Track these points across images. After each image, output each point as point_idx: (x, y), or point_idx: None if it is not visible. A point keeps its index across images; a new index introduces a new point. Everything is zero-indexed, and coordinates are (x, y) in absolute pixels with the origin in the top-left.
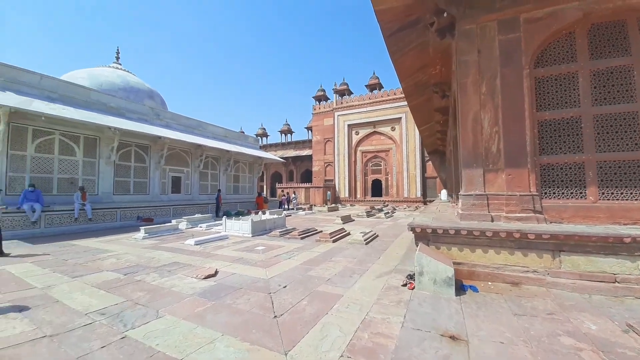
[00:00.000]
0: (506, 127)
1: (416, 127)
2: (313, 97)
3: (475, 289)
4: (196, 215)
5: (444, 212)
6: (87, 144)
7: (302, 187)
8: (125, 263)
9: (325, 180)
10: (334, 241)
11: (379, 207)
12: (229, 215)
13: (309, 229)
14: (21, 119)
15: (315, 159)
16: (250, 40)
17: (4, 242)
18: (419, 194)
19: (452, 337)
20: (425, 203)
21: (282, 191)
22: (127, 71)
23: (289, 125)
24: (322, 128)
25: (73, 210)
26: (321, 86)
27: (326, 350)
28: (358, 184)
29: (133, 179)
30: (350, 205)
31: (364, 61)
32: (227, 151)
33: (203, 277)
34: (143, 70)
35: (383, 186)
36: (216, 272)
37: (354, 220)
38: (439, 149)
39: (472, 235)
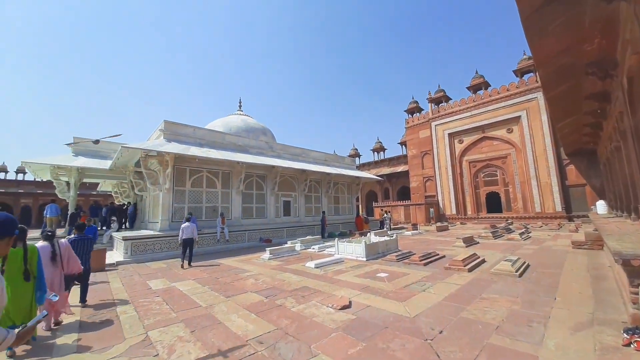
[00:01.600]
0: None
1: (544, 125)
2: (405, 111)
3: None
4: (307, 237)
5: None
6: (223, 177)
7: (401, 205)
8: (263, 284)
9: (426, 197)
10: (470, 270)
11: (501, 225)
12: (332, 236)
13: (429, 254)
14: (181, 162)
15: (413, 174)
16: (336, 62)
17: (169, 260)
18: (558, 208)
19: None
20: (570, 219)
21: (382, 210)
22: (247, 115)
23: (380, 142)
24: (418, 141)
25: (215, 233)
26: (413, 98)
27: None
28: (467, 198)
29: (255, 204)
30: (461, 223)
31: (461, 63)
32: (328, 174)
33: (339, 307)
34: (256, 111)
35: (503, 200)
36: (350, 304)
37: (477, 242)
38: (584, 148)
39: None
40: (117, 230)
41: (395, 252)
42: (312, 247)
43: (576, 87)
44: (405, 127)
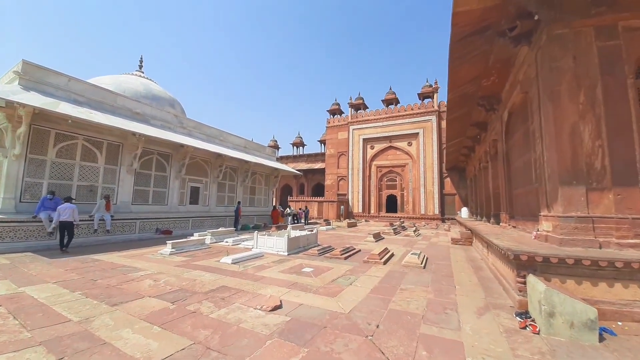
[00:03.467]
0: (611, 141)
1: (434, 143)
2: (327, 111)
3: (612, 332)
4: (220, 229)
5: (510, 234)
6: (109, 150)
7: (315, 201)
8: (167, 286)
9: (338, 195)
10: (384, 263)
11: (397, 223)
12: (246, 228)
13: (348, 248)
14: (44, 121)
15: (328, 172)
16: (264, 52)
17: (13, 255)
18: (436, 211)
19: None
20: (443, 220)
21: (296, 205)
22: (150, 79)
23: (301, 137)
24: (336, 141)
25: (92, 221)
26: (336, 100)
27: None
28: (372, 199)
29: (153, 188)
30: (365, 220)
31: (380, 76)
32: (246, 162)
33: (269, 308)
34: (164, 79)
35: (398, 202)
36: (281, 303)
37: (383, 238)
38: (459, 166)
39: (597, 266)
40: None
41: (316, 246)
42: (224, 240)
43: (467, 114)
44: (326, 127)
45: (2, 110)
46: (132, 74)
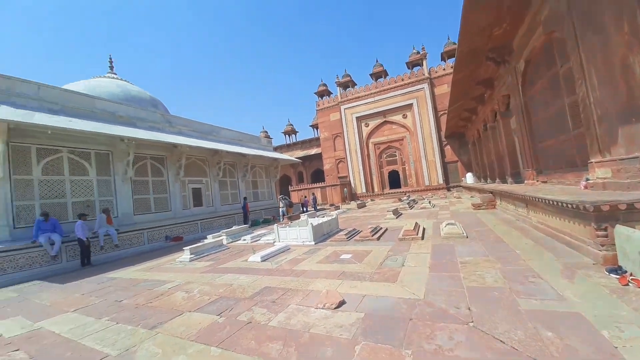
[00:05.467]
0: None
1: (429, 112)
2: (315, 93)
3: None
4: (233, 228)
5: (550, 189)
6: (99, 160)
7: (317, 187)
8: (204, 297)
9: (339, 178)
10: (422, 238)
11: (404, 198)
12: (257, 224)
13: (375, 228)
14: (22, 137)
15: (326, 156)
16: (243, 39)
17: (19, 286)
18: (441, 181)
19: None
20: (448, 189)
21: (300, 193)
22: (126, 80)
23: (292, 125)
24: (329, 124)
25: (97, 237)
26: (322, 81)
27: None
28: (374, 177)
29: (152, 195)
30: (371, 200)
31: (364, 51)
32: (244, 156)
33: (334, 306)
34: (139, 77)
35: (401, 177)
36: (344, 298)
37: (402, 213)
38: (458, 132)
39: None
40: None
41: (340, 231)
42: (242, 238)
43: (474, 72)
44: (317, 110)
45: None
46: (105, 77)
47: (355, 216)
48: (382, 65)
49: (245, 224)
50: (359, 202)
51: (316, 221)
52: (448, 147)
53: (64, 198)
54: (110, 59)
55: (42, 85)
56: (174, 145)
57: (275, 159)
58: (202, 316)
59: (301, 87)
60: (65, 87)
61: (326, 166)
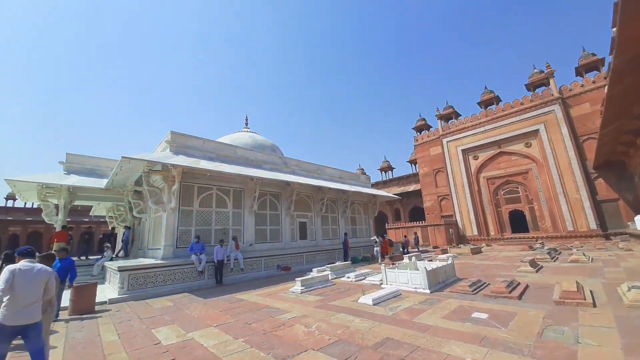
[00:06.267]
0: None
1: (566, 138)
2: (413, 128)
3: None
4: (337, 264)
5: None
6: (235, 196)
7: (417, 226)
8: (323, 335)
9: (442, 217)
10: (594, 305)
11: (537, 246)
12: (356, 261)
13: (511, 282)
14: (189, 178)
15: (426, 193)
16: (338, 77)
17: (174, 296)
18: (593, 225)
19: None
20: (607, 237)
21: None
22: (254, 132)
23: (388, 161)
24: (429, 159)
25: (229, 260)
26: (420, 115)
27: None
28: (488, 217)
29: (269, 226)
30: (486, 244)
31: (465, 81)
32: (344, 192)
33: None
34: (262, 129)
35: (528, 218)
36: None
37: (542, 265)
38: (612, 161)
39: None
40: (111, 260)
41: (458, 280)
42: (345, 275)
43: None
44: (415, 145)
45: (160, 173)
46: (241, 131)
47: (472, 263)
48: (492, 92)
49: (345, 259)
50: (472, 246)
51: (430, 265)
52: (601, 180)
53: (210, 225)
54: (246, 118)
55: (205, 139)
56: (288, 183)
57: (374, 196)
58: (325, 358)
59: (397, 122)
60: (219, 140)
61: (427, 203)
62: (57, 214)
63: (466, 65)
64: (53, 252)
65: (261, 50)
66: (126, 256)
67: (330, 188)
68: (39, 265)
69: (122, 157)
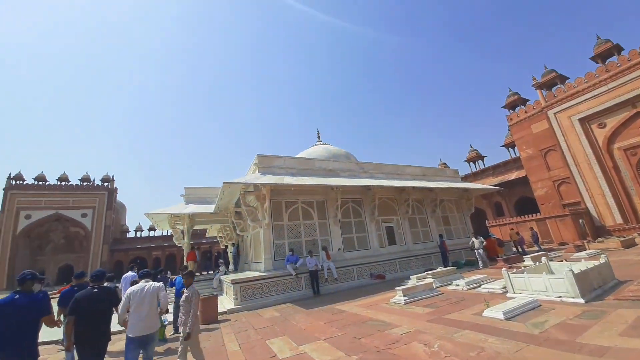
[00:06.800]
0: None
1: None
2: (503, 107)
3: None
4: (439, 270)
5: None
6: (318, 207)
7: (530, 220)
8: (453, 358)
9: (565, 205)
10: None
11: None
12: (459, 265)
13: None
14: (277, 195)
15: (535, 179)
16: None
17: (279, 307)
18: None
19: None
20: None
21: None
22: (327, 144)
23: (476, 150)
24: (531, 138)
25: (322, 270)
26: (510, 90)
27: None
28: (635, 199)
29: (355, 234)
30: (639, 234)
31: (563, 38)
32: (431, 190)
33: None
34: (333, 140)
35: None
36: None
37: None
38: None
39: None
40: (225, 274)
41: (620, 283)
42: (453, 283)
43: None
44: (509, 126)
45: (253, 193)
46: (315, 145)
47: (631, 260)
48: (609, 41)
49: (445, 264)
50: (620, 238)
51: (575, 267)
52: None
53: (300, 237)
54: (318, 132)
55: (286, 157)
56: (368, 188)
57: (466, 190)
58: None
59: (481, 104)
60: (297, 155)
61: (538, 192)
62: (183, 238)
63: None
64: (187, 271)
65: (325, 66)
66: (236, 270)
67: (414, 188)
68: (150, 284)
69: (224, 182)
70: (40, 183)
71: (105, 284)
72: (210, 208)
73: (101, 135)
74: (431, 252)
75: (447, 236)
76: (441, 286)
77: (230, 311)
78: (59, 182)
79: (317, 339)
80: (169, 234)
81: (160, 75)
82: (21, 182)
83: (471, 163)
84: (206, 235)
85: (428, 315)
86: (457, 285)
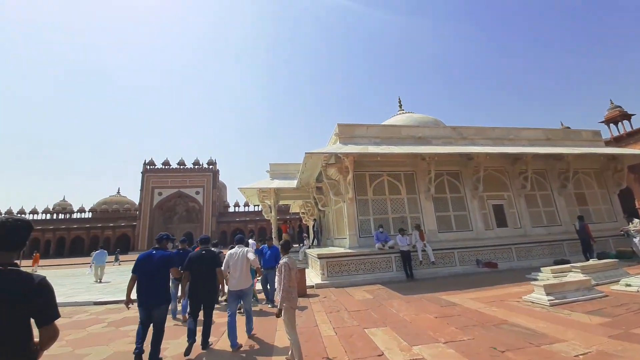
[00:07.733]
0: None
1: None
2: None
3: None
4: (590, 262)
5: None
6: (407, 180)
7: None
8: None
9: None
10: None
11: None
12: (609, 257)
13: None
14: (360, 167)
15: None
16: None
17: (369, 287)
18: None
19: None
20: None
21: None
22: (410, 112)
23: (619, 107)
24: None
25: (415, 251)
26: None
27: None
28: None
29: (452, 212)
30: None
31: None
32: (558, 158)
33: None
34: (418, 109)
35: None
36: None
37: None
38: None
39: None
40: (309, 248)
41: None
42: (621, 281)
43: None
44: None
45: (335, 165)
46: (398, 114)
47: None
48: None
49: (587, 256)
50: None
51: None
52: None
53: (386, 214)
54: (399, 100)
55: (369, 125)
56: (469, 157)
57: (614, 158)
58: None
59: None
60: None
61: None
62: (271, 212)
63: None
64: (284, 240)
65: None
66: (318, 245)
67: (534, 155)
68: (243, 249)
69: (306, 153)
70: (166, 167)
71: (212, 248)
72: (292, 183)
73: (205, 124)
74: (560, 238)
75: (585, 218)
76: (597, 285)
77: (318, 286)
78: (178, 166)
79: (433, 340)
80: (259, 209)
81: (245, 75)
82: (153, 166)
83: (612, 125)
84: (290, 212)
85: (604, 328)
86: (629, 286)
